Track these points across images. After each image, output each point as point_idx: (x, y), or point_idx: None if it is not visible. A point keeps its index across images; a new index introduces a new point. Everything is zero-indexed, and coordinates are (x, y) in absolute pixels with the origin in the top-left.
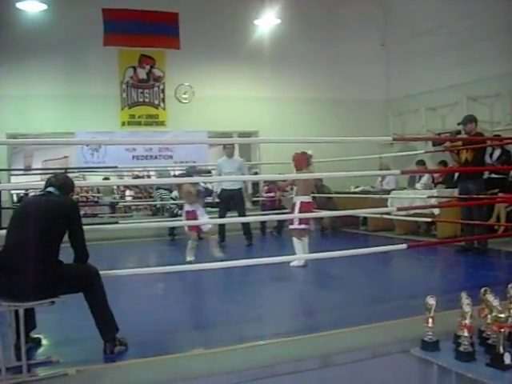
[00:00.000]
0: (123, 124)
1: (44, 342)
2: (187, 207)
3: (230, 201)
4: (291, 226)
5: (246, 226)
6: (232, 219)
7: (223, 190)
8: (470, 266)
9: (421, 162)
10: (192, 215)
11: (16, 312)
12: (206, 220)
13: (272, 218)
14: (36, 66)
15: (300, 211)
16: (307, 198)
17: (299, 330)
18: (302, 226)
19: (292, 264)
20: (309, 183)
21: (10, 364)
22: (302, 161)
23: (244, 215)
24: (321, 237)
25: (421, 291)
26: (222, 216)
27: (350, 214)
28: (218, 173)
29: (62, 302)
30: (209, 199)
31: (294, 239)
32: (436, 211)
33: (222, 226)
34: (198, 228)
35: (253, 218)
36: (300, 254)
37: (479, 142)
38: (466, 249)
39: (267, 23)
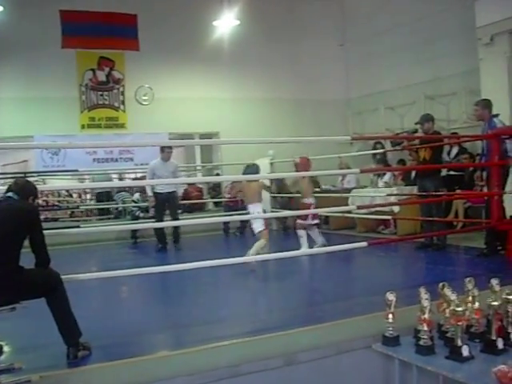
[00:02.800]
0: (83, 127)
1: (6, 348)
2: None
3: (165, 204)
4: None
5: (176, 229)
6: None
7: (157, 194)
8: (429, 262)
9: (381, 161)
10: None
11: None
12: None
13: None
14: None
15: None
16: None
17: (263, 329)
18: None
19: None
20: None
21: None
22: (306, 165)
23: (177, 218)
24: (283, 236)
25: (382, 288)
26: (160, 220)
27: (312, 212)
28: (151, 176)
29: (24, 308)
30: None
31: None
32: (396, 209)
33: (160, 230)
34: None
35: (183, 222)
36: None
37: (436, 140)
38: (426, 245)
39: (226, 24)
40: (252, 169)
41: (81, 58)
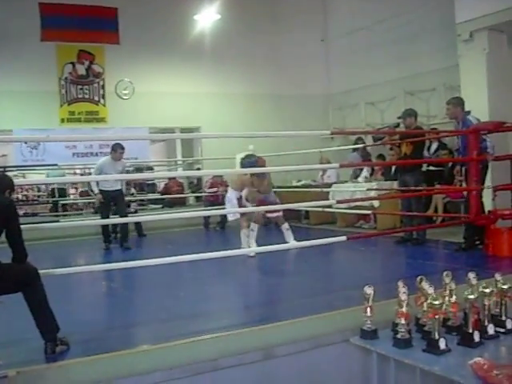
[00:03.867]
0: (62, 121)
1: None
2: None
3: (111, 201)
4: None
5: (124, 227)
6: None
7: (103, 191)
8: (408, 256)
9: (364, 155)
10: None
11: None
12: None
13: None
14: None
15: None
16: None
17: (241, 323)
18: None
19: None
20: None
21: None
22: (263, 165)
23: (125, 215)
24: (264, 230)
25: (361, 282)
26: (105, 217)
27: (292, 207)
28: (98, 173)
29: (0, 303)
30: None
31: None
32: (376, 203)
33: (106, 227)
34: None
35: (145, 217)
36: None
37: (418, 135)
38: (405, 239)
39: (207, 18)
40: (251, 160)
41: (60, 51)
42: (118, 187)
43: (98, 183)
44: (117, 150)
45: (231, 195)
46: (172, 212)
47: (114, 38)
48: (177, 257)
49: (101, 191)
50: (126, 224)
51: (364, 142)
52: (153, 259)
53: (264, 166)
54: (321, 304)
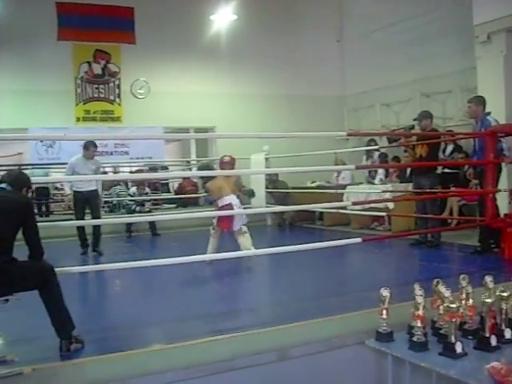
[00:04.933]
0: (78, 120)
1: None
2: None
3: (86, 202)
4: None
5: (97, 229)
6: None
7: (77, 192)
8: (423, 259)
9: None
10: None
11: None
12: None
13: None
14: None
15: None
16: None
17: (256, 324)
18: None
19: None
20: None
21: None
22: (234, 164)
23: (99, 217)
24: (278, 231)
25: (375, 284)
26: (80, 218)
27: (307, 208)
28: (70, 173)
29: (17, 300)
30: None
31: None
32: (390, 205)
33: (81, 229)
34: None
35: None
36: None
37: (434, 137)
38: (420, 242)
39: (223, 19)
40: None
41: (77, 50)
42: (93, 187)
43: (71, 184)
44: (89, 147)
45: (234, 200)
46: (184, 212)
47: (130, 37)
48: (190, 257)
49: (74, 192)
50: (98, 227)
51: (376, 144)
52: (167, 259)
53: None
54: (335, 306)
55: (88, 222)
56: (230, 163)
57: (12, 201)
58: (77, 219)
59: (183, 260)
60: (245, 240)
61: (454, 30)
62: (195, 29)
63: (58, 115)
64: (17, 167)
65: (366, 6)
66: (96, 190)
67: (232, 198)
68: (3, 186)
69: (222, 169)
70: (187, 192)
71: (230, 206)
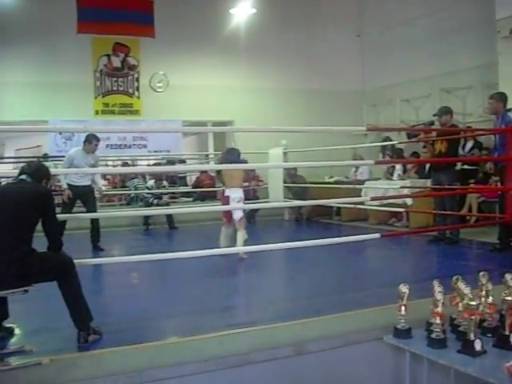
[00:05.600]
0: (97, 113)
1: (17, 331)
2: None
3: (80, 197)
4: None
5: (95, 224)
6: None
7: (71, 186)
8: (442, 256)
9: (396, 153)
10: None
11: None
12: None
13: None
14: (10, 54)
15: None
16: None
17: (274, 318)
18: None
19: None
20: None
21: None
22: None
23: (95, 211)
24: (295, 226)
25: (393, 280)
26: (68, 212)
27: (325, 203)
28: (68, 165)
29: (36, 291)
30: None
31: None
32: (409, 201)
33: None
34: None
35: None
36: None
37: (454, 133)
38: (439, 239)
39: (243, 12)
40: (234, 153)
41: (96, 43)
42: (88, 182)
43: (65, 177)
44: (92, 141)
45: (236, 194)
46: (202, 205)
47: (149, 31)
48: (208, 250)
49: (69, 186)
50: (97, 222)
51: (391, 141)
52: (183, 252)
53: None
54: (353, 301)
55: (106, 214)
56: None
57: (32, 192)
58: (65, 212)
59: (199, 254)
60: (239, 234)
61: (475, 25)
62: (214, 22)
63: (77, 108)
64: (36, 159)
65: (386, 1)
66: (91, 185)
67: (233, 191)
68: (23, 177)
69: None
70: (205, 186)
71: (227, 199)
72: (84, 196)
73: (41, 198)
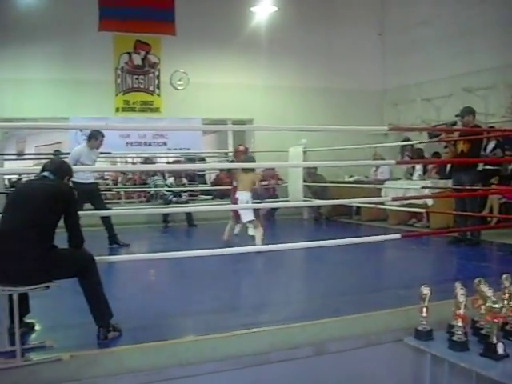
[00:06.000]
0: (117, 110)
1: (37, 327)
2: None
3: (87, 195)
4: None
5: (107, 221)
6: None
7: (77, 184)
8: (462, 257)
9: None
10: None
11: (10, 296)
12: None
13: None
14: (32, 51)
15: None
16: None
17: (293, 317)
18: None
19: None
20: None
21: (4, 349)
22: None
23: (105, 209)
24: (314, 225)
25: (414, 281)
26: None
27: (345, 203)
28: (74, 162)
29: (57, 287)
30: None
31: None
32: (429, 202)
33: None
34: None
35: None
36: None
37: (476, 133)
38: (459, 240)
39: (264, 10)
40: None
41: (117, 41)
42: (93, 180)
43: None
44: (98, 137)
45: (243, 197)
46: (220, 204)
47: (170, 28)
48: (226, 249)
49: (76, 184)
50: (109, 219)
51: (410, 141)
52: (202, 250)
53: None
54: (373, 302)
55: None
56: (243, 152)
57: (55, 189)
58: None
59: (217, 252)
60: (257, 232)
61: (498, 24)
62: (235, 20)
63: (97, 105)
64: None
65: None
66: (96, 183)
67: (241, 194)
68: (46, 174)
69: (237, 157)
70: (224, 184)
71: (235, 200)
72: (91, 193)
73: (63, 195)
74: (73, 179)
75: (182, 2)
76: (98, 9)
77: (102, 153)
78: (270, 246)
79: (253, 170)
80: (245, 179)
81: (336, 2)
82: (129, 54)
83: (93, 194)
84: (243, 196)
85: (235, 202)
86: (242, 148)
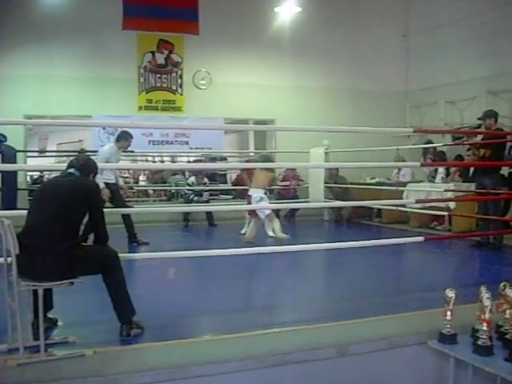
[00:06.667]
0: (140, 108)
1: (61, 322)
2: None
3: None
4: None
5: (127, 219)
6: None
7: (107, 184)
8: (484, 261)
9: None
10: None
11: (35, 292)
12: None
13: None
14: (56, 48)
15: None
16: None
17: (316, 318)
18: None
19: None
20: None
21: (28, 343)
22: None
23: (125, 206)
24: (335, 227)
25: (437, 284)
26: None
27: (368, 204)
28: (104, 161)
29: (81, 284)
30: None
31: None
32: (452, 205)
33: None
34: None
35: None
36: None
37: (499, 137)
38: (481, 244)
39: (288, 11)
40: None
41: (141, 40)
42: (115, 180)
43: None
44: (128, 138)
45: (256, 193)
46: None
47: (194, 28)
48: (245, 249)
49: (106, 184)
50: (129, 217)
51: (432, 143)
52: (222, 249)
53: None
54: (396, 304)
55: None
56: None
57: (80, 186)
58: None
59: (239, 252)
60: (274, 223)
61: None
62: (259, 20)
63: (120, 103)
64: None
65: (433, 0)
66: (116, 183)
67: (254, 191)
68: (72, 170)
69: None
70: (244, 184)
71: (249, 198)
72: (114, 194)
73: (89, 192)
74: (104, 180)
75: (205, 1)
76: (122, 7)
77: (124, 151)
78: (290, 246)
79: (268, 168)
80: (259, 177)
81: (360, 3)
82: (152, 53)
83: (115, 194)
84: (256, 193)
85: (249, 200)
86: None
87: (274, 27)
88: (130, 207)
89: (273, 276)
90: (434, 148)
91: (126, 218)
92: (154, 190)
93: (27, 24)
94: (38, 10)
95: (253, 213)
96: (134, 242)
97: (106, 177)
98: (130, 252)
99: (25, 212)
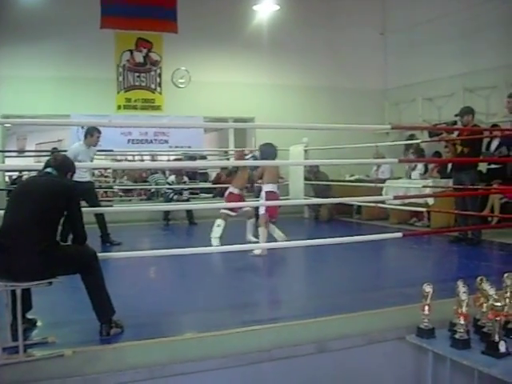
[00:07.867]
0: (119, 108)
1: (40, 323)
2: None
3: (83, 193)
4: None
5: (101, 218)
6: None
7: (78, 183)
8: (463, 256)
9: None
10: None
11: (13, 292)
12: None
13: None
14: (33, 48)
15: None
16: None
17: (295, 315)
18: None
19: (254, 253)
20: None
21: (6, 344)
22: (241, 157)
23: (99, 205)
24: (315, 224)
25: (415, 280)
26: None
27: (346, 201)
28: (73, 158)
29: (59, 283)
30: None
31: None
32: (430, 201)
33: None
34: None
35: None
36: (263, 241)
37: (476, 133)
38: (460, 239)
39: (266, 9)
40: (271, 149)
41: (119, 38)
42: (89, 178)
43: None
44: (94, 133)
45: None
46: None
47: (172, 26)
48: (225, 246)
49: (79, 183)
50: (102, 217)
51: (416, 139)
52: (202, 248)
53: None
54: (374, 300)
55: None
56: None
57: (57, 185)
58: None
59: (218, 249)
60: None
61: (500, 24)
62: (237, 19)
63: (99, 103)
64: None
65: None
66: (92, 182)
67: (273, 187)
68: (49, 170)
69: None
70: (224, 182)
71: (274, 195)
72: (87, 192)
73: (66, 191)
74: (76, 179)
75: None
76: (99, 6)
77: (102, 150)
78: (271, 244)
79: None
80: (272, 171)
81: (338, 2)
82: (130, 51)
83: (89, 193)
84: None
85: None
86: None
87: (252, 25)
88: (104, 206)
89: (252, 273)
90: (418, 144)
91: (100, 217)
92: (134, 189)
93: (2, 24)
94: (14, 10)
95: (275, 212)
96: (107, 242)
97: (77, 175)
98: (102, 252)
99: (2, 212)
